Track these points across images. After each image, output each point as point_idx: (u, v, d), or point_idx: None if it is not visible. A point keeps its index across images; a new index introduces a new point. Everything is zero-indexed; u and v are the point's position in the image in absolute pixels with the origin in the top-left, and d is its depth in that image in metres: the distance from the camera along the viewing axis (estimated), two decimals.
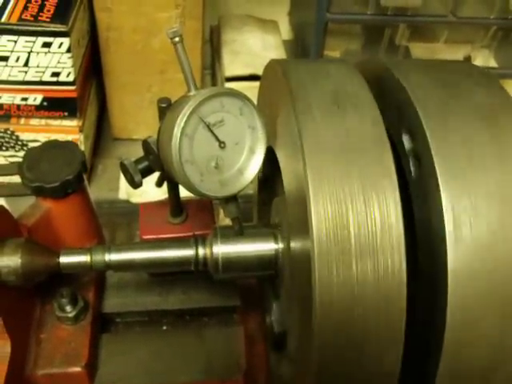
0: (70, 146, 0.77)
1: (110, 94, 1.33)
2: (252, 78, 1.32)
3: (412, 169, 0.56)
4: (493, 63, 1.45)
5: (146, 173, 0.68)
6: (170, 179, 0.72)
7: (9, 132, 1.16)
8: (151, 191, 1.17)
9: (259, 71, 1.18)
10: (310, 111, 0.54)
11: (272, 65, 0.66)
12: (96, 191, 1.26)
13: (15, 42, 1.03)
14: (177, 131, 0.54)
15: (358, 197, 0.49)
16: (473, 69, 0.63)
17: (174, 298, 0.82)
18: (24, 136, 1.18)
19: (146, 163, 0.68)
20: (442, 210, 0.50)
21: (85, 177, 0.77)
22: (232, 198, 0.61)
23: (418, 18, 1.30)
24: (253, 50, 1.43)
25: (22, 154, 1.20)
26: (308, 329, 0.51)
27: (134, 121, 1.36)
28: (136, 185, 0.68)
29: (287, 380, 0.68)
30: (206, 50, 1.48)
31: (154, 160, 0.65)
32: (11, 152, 1.20)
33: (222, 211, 1.17)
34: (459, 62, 0.72)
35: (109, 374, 0.75)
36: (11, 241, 0.66)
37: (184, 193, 0.77)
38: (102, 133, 1.43)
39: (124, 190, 1.28)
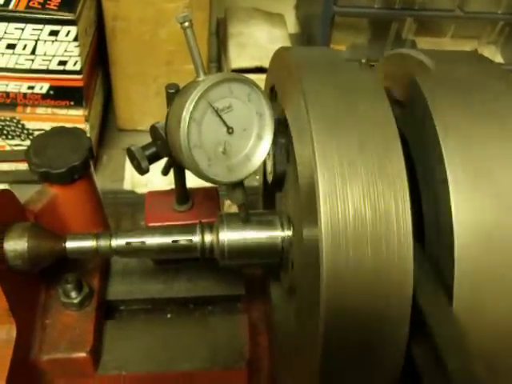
0: (77, 132, 0.77)
1: (116, 84, 1.33)
2: (258, 70, 1.32)
3: None
4: (499, 59, 1.44)
5: (153, 159, 0.68)
6: (176, 166, 0.72)
7: (15, 121, 1.16)
8: (156, 181, 1.18)
9: (265, 64, 1.19)
10: (320, 98, 0.54)
11: (280, 53, 0.66)
12: (101, 181, 1.25)
13: (22, 29, 1.03)
14: (185, 115, 0.54)
15: (365, 185, 0.49)
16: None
17: (178, 286, 0.83)
18: (30, 125, 1.18)
19: (153, 149, 0.68)
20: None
21: (91, 163, 0.77)
22: (239, 184, 0.61)
23: (424, 13, 1.30)
24: (259, 42, 1.43)
25: (27, 142, 1.20)
26: (315, 317, 0.51)
27: (140, 112, 1.36)
28: (143, 171, 0.68)
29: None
30: (212, 42, 1.48)
31: (162, 145, 0.65)
32: (17, 141, 1.20)
33: (226, 202, 1.18)
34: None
35: (113, 360, 0.76)
36: (18, 225, 0.66)
37: (190, 182, 0.78)
38: (107, 123, 1.43)
39: (129, 181, 1.28)
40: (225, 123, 0.57)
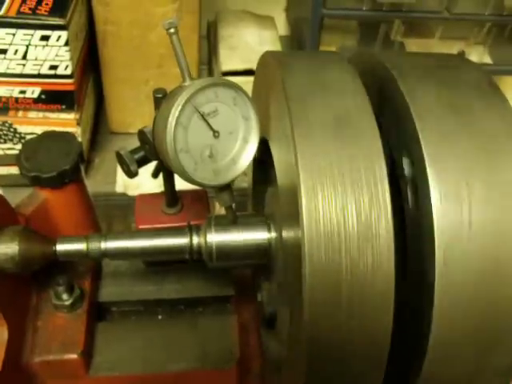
0: (68, 136, 0.78)
1: (108, 87, 1.34)
2: (248, 72, 1.33)
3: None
4: (487, 59, 1.46)
5: (142, 162, 0.69)
6: (165, 169, 0.73)
7: (7, 125, 1.17)
8: (147, 184, 1.19)
9: (255, 66, 1.19)
10: (303, 103, 0.55)
11: (266, 57, 0.67)
12: (93, 184, 1.27)
13: (13, 35, 1.04)
14: (172, 120, 0.55)
15: (347, 187, 0.50)
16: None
17: (169, 287, 0.83)
18: (22, 129, 1.19)
19: (141, 153, 0.69)
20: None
21: (82, 167, 0.77)
22: (226, 187, 0.62)
23: (412, 14, 1.32)
24: (249, 45, 1.44)
25: (19, 146, 1.20)
26: (298, 313, 0.52)
27: (131, 115, 1.37)
28: (132, 174, 0.69)
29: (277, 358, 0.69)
30: (202, 45, 1.49)
31: (150, 149, 0.66)
32: (9, 145, 1.21)
33: (217, 205, 1.18)
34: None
35: (104, 361, 0.76)
36: (9, 228, 0.67)
37: (179, 185, 0.79)
38: (99, 127, 1.44)
39: (121, 183, 1.29)
40: (211, 127, 0.58)
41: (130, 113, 1.37)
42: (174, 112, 0.55)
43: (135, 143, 0.71)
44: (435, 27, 1.40)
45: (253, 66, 1.33)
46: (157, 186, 1.09)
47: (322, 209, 0.49)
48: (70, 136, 0.78)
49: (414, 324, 0.54)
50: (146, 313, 0.83)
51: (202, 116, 0.57)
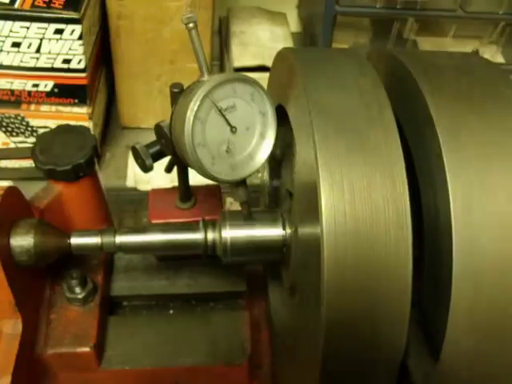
0: (82, 130, 0.78)
1: (120, 82, 1.34)
2: (260, 69, 1.33)
3: None
4: (500, 59, 1.45)
5: (156, 157, 0.70)
6: (180, 164, 0.73)
7: (19, 118, 1.18)
8: (158, 179, 1.19)
9: (267, 62, 1.20)
10: (321, 98, 0.55)
11: (283, 53, 0.67)
12: (104, 179, 1.26)
13: (28, 28, 1.04)
14: (190, 114, 0.55)
15: (366, 185, 0.50)
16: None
17: (181, 282, 0.83)
18: (34, 122, 1.19)
19: (157, 147, 0.69)
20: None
21: (96, 161, 0.78)
22: (242, 183, 0.62)
23: (426, 12, 1.31)
24: (261, 41, 1.44)
25: (31, 139, 1.21)
26: (315, 309, 0.52)
27: (143, 110, 1.37)
28: (147, 169, 0.70)
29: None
30: (214, 41, 1.49)
31: (166, 144, 0.67)
32: (21, 138, 1.21)
33: (228, 200, 1.19)
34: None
35: (116, 355, 0.77)
36: (24, 221, 0.67)
37: (192, 180, 0.79)
38: (110, 121, 1.44)
39: (132, 178, 1.29)
40: (228, 122, 0.58)
41: (142, 108, 1.37)
42: (193, 106, 0.55)
43: (146, 138, 0.71)
44: (449, 26, 1.39)
45: (265, 62, 1.33)
46: (168, 181, 1.09)
47: (340, 206, 0.49)
48: (84, 129, 0.79)
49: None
50: (157, 307, 0.84)
51: (220, 111, 0.57)
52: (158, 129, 0.67)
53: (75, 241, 0.69)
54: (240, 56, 1.38)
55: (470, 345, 0.52)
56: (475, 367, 0.54)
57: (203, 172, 0.58)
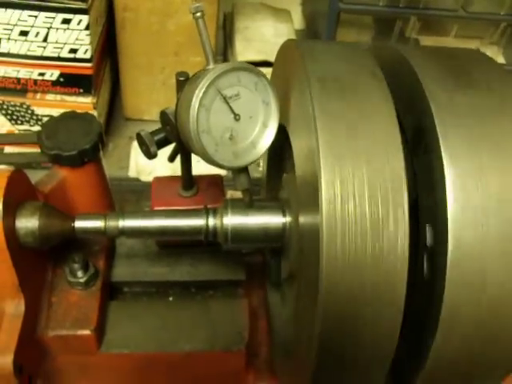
0: (88, 117, 0.79)
1: (124, 74, 1.35)
2: (264, 64, 1.34)
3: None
4: (501, 59, 1.46)
5: (161, 144, 0.71)
6: (183, 151, 0.74)
7: (24, 106, 1.19)
8: (160, 170, 1.20)
9: (271, 58, 1.21)
10: (325, 91, 0.56)
11: (287, 45, 0.68)
12: (106, 169, 1.28)
13: (36, 17, 1.06)
14: (195, 101, 0.57)
15: (366, 175, 0.52)
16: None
17: (181, 270, 0.84)
18: (39, 111, 1.20)
19: (162, 135, 0.70)
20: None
21: (101, 147, 0.79)
22: (244, 170, 0.64)
23: (428, 12, 1.33)
24: (265, 37, 1.46)
25: (36, 128, 1.22)
26: (313, 297, 0.53)
27: (146, 101, 1.38)
28: (151, 156, 0.71)
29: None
30: (219, 36, 1.50)
31: (171, 130, 0.68)
32: (26, 126, 1.22)
33: (229, 192, 1.20)
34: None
35: (116, 339, 0.78)
36: (29, 203, 0.69)
37: (194, 170, 0.80)
38: (113, 112, 1.46)
39: (134, 169, 1.30)
40: (232, 110, 0.59)
41: (145, 99, 1.38)
42: (198, 93, 0.57)
43: (149, 130, 0.72)
44: (450, 25, 1.41)
45: (268, 57, 1.34)
46: (169, 172, 1.10)
47: (340, 195, 0.51)
48: (90, 116, 0.80)
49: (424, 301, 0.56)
50: (157, 294, 0.85)
51: (225, 99, 0.58)
52: (163, 115, 0.68)
53: (79, 224, 0.70)
54: (244, 51, 1.40)
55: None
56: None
57: (207, 158, 0.59)
